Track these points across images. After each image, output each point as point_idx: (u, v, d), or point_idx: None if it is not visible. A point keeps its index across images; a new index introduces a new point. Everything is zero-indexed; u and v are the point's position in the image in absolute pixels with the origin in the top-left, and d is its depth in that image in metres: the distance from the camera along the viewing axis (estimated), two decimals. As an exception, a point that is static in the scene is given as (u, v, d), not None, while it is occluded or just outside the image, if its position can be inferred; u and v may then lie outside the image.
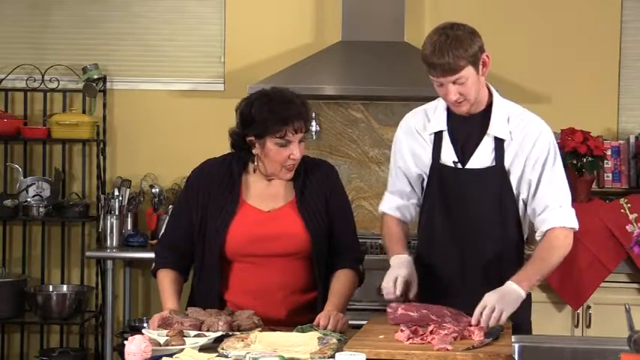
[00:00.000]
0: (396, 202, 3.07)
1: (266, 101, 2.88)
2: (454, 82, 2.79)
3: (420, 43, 2.90)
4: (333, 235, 2.99)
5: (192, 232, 2.98)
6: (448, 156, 2.94)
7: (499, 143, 2.90)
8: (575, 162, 4.64)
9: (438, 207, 2.96)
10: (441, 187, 2.95)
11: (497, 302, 2.67)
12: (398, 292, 2.79)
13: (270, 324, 2.82)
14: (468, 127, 2.92)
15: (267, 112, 2.85)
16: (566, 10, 5.08)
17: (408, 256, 2.92)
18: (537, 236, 2.93)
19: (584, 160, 4.66)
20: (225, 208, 2.94)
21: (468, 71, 2.79)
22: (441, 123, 2.96)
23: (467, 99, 2.84)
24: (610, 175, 4.95)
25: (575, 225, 2.91)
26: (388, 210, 3.10)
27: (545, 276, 2.89)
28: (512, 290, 2.73)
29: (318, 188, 2.99)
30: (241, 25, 5.19)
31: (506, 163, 2.89)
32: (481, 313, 2.65)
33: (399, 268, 2.86)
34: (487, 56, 2.84)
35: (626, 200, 4.49)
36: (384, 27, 4.86)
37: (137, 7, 5.25)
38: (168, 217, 3.30)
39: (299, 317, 2.89)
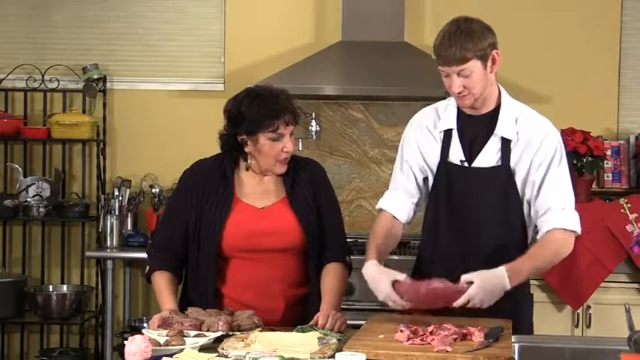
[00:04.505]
0: (396, 199, 3.07)
1: (254, 98, 2.93)
2: (459, 74, 2.81)
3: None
4: (322, 230, 3.02)
5: (186, 233, 3.00)
6: (456, 155, 2.95)
7: (505, 143, 2.90)
8: (575, 162, 4.64)
9: (444, 204, 2.97)
10: (448, 185, 2.96)
11: (485, 296, 2.66)
12: (397, 297, 2.75)
13: (268, 317, 2.84)
14: (476, 127, 2.94)
15: (257, 108, 2.91)
16: (566, 10, 5.08)
17: (374, 261, 2.87)
18: (538, 237, 2.92)
19: (584, 160, 4.66)
20: (220, 205, 2.97)
21: (475, 65, 2.81)
22: (450, 121, 2.97)
23: (471, 92, 2.85)
24: (610, 175, 4.95)
25: (577, 229, 2.90)
26: (385, 206, 3.09)
27: (533, 275, 2.88)
28: (501, 284, 2.70)
29: (307, 185, 3.04)
30: (241, 25, 5.19)
31: (512, 163, 2.90)
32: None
33: (379, 275, 2.80)
34: (497, 53, 2.86)
35: (626, 200, 4.49)
36: (384, 27, 4.85)
37: (137, 7, 5.25)
38: (160, 220, 3.30)
39: (295, 311, 2.94)
